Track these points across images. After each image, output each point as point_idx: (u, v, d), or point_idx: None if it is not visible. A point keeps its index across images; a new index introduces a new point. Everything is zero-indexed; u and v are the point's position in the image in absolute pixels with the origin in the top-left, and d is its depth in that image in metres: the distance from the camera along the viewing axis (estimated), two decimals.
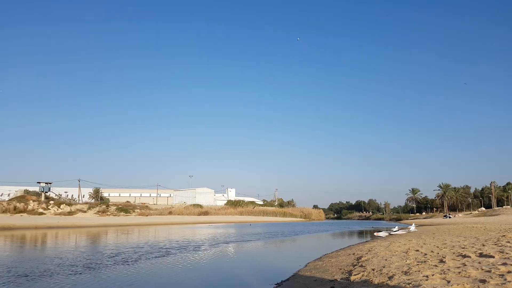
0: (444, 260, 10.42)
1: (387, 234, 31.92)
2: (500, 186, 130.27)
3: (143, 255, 17.62)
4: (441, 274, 8.23)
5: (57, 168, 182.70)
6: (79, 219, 60.45)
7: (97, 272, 12.65)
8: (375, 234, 33.22)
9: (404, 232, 33.26)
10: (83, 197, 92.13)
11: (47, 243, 27.33)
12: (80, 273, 12.38)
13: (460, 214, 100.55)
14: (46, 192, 77.95)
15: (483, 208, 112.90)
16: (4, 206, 61.52)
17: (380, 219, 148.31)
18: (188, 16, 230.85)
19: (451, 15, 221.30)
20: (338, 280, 9.67)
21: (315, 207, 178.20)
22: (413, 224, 42.62)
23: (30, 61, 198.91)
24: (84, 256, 17.01)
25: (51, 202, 72.52)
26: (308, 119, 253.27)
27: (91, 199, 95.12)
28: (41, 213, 63.94)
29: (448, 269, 8.75)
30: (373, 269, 10.10)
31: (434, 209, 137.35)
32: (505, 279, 7.04)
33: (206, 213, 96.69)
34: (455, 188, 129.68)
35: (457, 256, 11.21)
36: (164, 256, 17.55)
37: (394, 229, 35.18)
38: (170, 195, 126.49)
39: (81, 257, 16.59)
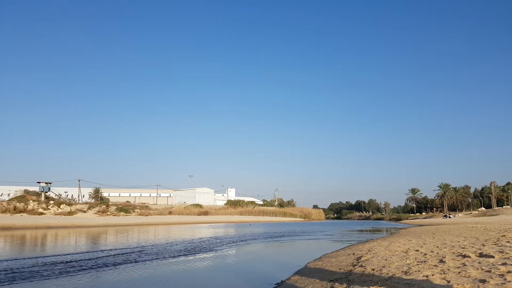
0: (444, 260, 10.41)
1: None
2: (500, 186, 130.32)
3: (136, 255, 17.60)
4: (441, 274, 8.22)
5: (57, 168, 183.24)
6: (79, 219, 60.45)
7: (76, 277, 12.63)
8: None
9: None
10: (83, 197, 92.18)
11: (47, 243, 27.33)
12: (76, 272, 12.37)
13: (460, 214, 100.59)
14: (46, 192, 78.00)
15: (483, 208, 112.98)
16: (4, 206, 61.54)
17: (380, 219, 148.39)
18: (188, 17, 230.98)
19: (451, 15, 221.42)
20: (338, 280, 9.65)
21: (315, 207, 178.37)
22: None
23: (30, 61, 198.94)
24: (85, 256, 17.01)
25: (51, 202, 72.56)
26: (308, 119, 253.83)
27: (91, 199, 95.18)
28: (41, 213, 63.97)
29: (448, 269, 8.73)
30: (373, 269, 10.08)
31: (434, 209, 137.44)
32: (505, 279, 7.03)
33: (206, 213, 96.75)
34: (455, 188, 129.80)
35: (457, 256, 11.20)
36: (162, 255, 17.52)
37: None
38: (170, 195, 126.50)
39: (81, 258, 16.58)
